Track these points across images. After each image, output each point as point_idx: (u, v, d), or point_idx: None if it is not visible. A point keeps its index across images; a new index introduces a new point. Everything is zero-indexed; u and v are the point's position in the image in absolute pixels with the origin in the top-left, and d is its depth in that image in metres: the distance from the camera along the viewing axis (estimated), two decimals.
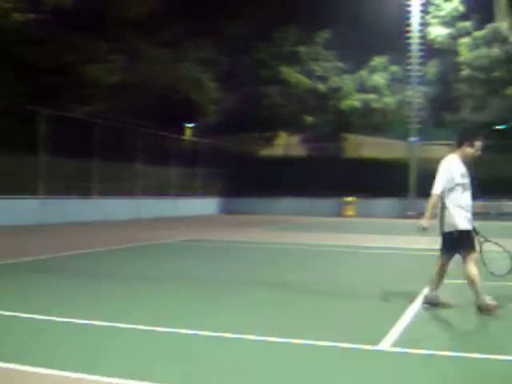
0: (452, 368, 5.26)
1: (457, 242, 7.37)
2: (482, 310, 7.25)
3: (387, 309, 7.75)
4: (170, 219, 28.39)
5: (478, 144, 7.39)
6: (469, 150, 7.40)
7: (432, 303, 7.69)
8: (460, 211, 7.33)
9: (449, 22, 34.68)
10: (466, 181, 7.42)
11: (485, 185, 30.48)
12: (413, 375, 5.05)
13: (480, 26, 34.33)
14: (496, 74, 33.49)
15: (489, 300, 7.27)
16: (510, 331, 6.72)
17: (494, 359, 5.50)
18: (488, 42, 33.88)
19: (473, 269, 7.25)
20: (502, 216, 30.14)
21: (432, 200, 7.34)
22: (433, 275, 7.71)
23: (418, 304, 7.96)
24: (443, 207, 7.41)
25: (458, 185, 7.34)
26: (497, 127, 35.84)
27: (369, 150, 36.22)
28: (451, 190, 7.33)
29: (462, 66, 34.18)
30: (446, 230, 7.44)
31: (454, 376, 5.03)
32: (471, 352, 5.68)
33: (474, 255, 7.37)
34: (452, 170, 7.34)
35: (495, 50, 33.42)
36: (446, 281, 7.79)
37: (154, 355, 5.38)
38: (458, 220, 7.30)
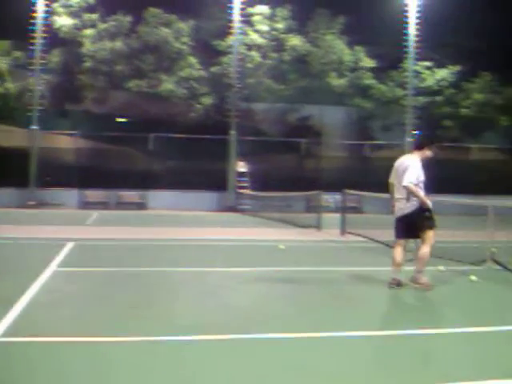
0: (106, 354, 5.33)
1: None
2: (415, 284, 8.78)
3: None
4: None
5: (435, 149, 8.96)
6: (428, 153, 8.88)
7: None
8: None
9: (75, 12, 34.63)
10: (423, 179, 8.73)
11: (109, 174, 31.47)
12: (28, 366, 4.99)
13: (105, 18, 34.97)
14: (118, 67, 34.49)
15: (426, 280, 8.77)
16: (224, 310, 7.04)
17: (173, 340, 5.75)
18: (111, 35, 34.71)
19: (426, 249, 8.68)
20: (120, 205, 31.28)
21: (413, 188, 8.48)
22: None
23: (33, 291, 7.89)
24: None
25: (420, 182, 8.65)
26: (119, 119, 36.97)
27: None
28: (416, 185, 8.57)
29: (85, 58, 34.43)
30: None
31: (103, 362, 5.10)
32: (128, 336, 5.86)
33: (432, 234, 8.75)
34: (420, 168, 8.67)
35: (118, 44, 34.39)
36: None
37: None
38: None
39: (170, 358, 5.24)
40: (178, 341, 5.81)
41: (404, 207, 8.78)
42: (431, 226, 8.77)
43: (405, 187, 8.56)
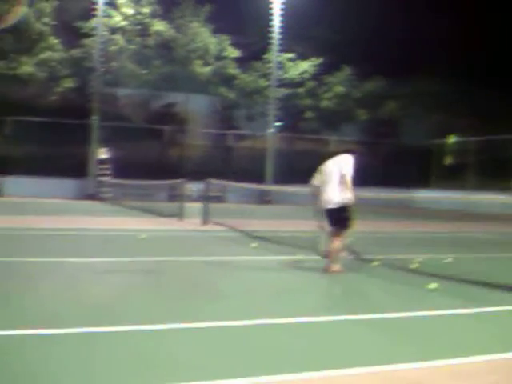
0: None
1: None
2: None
3: None
4: None
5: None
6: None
7: None
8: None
9: None
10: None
11: None
12: None
13: None
14: None
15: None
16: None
17: None
18: None
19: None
20: None
21: (350, 181, 9.47)
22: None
23: None
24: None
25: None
26: None
27: None
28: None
29: None
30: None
31: None
32: None
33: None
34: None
35: None
36: None
37: None
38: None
39: (14, 352, 4.99)
40: (26, 335, 5.53)
41: (334, 200, 9.59)
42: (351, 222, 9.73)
43: (343, 178, 9.49)
